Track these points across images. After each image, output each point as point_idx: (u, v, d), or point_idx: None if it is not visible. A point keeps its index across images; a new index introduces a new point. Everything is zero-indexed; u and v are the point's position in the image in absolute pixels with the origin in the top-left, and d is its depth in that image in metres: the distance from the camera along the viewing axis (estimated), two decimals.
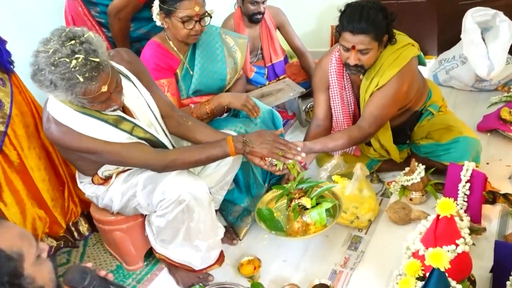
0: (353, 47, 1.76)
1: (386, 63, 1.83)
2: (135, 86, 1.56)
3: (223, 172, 1.78)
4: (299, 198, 1.64)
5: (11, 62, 1.82)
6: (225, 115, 2.05)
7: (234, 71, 2.10)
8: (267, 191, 1.97)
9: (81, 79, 1.25)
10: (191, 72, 1.99)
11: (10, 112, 1.80)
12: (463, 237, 1.37)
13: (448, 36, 2.96)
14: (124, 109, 1.54)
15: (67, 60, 1.23)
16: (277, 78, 2.91)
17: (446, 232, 1.35)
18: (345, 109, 2.03)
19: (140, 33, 2.31)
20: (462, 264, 1.35)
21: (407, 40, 1.90)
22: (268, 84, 2.87)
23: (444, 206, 1.31)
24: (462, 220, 1.57)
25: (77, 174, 1.75)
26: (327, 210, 1.68)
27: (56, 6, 2.40)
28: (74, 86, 1.26)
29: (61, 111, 1.42)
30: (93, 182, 1.67)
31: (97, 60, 1.27)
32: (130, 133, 1.48)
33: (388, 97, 1.84)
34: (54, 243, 2.03)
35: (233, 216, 2.01)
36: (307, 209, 1.64)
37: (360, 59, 1.79)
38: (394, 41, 1.84)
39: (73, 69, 1.24)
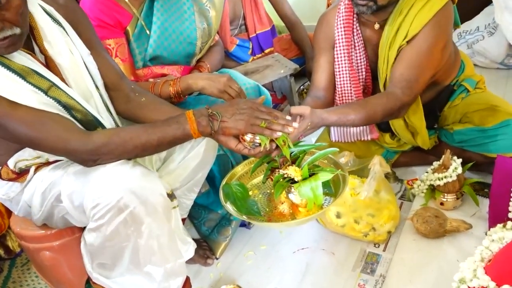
0: None
1: (416, 6, 1.47)
2: (68, 35, 1.22)
3: (191, 167, 1.43)
4: (285, 167, 1.22)
5: None
6: (195, 93, 1.66)
7: (207, 35, 1.72)
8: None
9: None
10: (148, 32, 1.59)
11: None
12: None
13: (469, 3, 2.53)
14: (48, 63, 1.18)
15: None
16: (263, 53, 2.58)
17: None
18: (354, 75, 1.64)
19: None
20: None
21: None
22: (253, 60, 2.52)
23: None
24: None
25: None
26: (325, 184, 1.24)
27: None
28: None
29: None
30: (0, 177, 1.27)
31: None
32: (46, 92, 1.12)
33: (423, 52, 1.48)
34: None
35: (207, 226, 1.70)
36: (296, 182, 1.20)
37: None
38: None
39: None
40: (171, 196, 1.28)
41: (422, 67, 1.49)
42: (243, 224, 1.72)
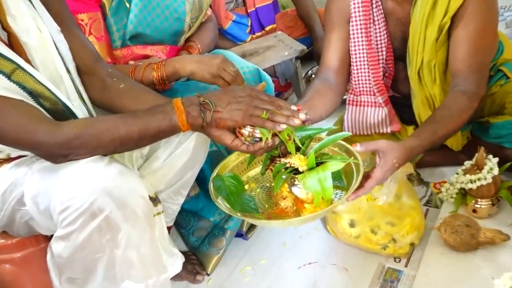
0: None
1: None
2: (35, 9, 1.23)
3: (179, 166, 1.45)
4: (287, 155, 1.23)
5: None
6: (182, 79, 1.69)
7: (197, 9, 1.74)
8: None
9: None
10: (127, 5, 1.61)
11: None
12: None
13: None
14: (11, 42, 1.19)
15: None
16: (263, 31, 2.62)
17: None
18: (372, 56, 1.66)
19: None
20: None
21: None
22: (252, 39, 2.56)
23: None
24: None
25: None
26: (336, 175, 1.24)
27: None
28: None
29: None
30: None
31: None
32: (9, 76, 1.13)
33: (481, 31, 1.49)
34: None
35: (197, 236, 1.73)
36: (301, 173, 1.22)
37: None
38: None
39: None
40: (154, 200, 1.30)
41: (488, 48, 1.53)
42: (240, 234, 1.73)
